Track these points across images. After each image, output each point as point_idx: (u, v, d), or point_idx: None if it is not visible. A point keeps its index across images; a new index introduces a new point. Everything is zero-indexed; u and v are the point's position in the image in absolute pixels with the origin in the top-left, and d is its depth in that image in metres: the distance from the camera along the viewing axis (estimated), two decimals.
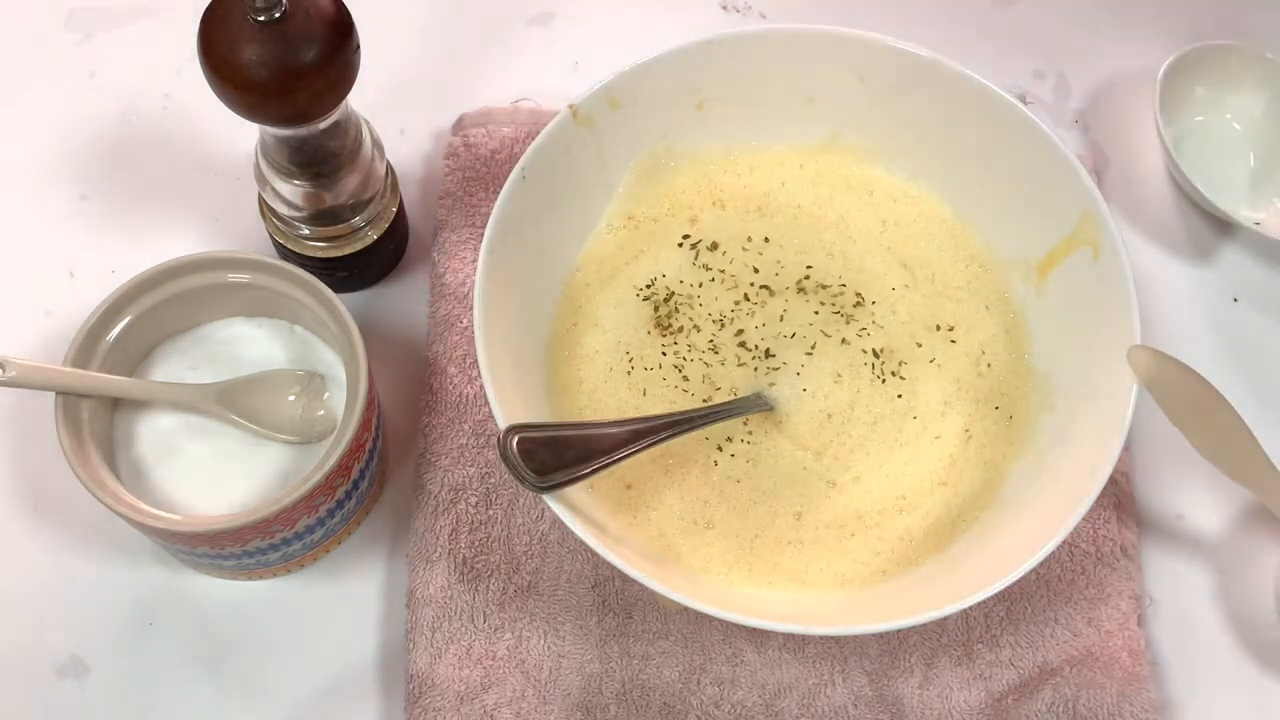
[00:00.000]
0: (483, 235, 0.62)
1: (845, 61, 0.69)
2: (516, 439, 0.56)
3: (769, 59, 0.69)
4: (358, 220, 0.67)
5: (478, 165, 0.74)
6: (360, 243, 0.68)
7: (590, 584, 0.65)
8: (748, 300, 0.68)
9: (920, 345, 0.68)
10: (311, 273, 0.61)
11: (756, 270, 0.69)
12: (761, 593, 0.62)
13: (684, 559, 0.63)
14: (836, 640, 0.64)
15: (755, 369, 0.67)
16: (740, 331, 0.68)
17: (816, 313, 0.68)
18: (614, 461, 0.58)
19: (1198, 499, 0.70)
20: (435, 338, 0.70)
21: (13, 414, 0.68)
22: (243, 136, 0.77)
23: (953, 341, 0.68)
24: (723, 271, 0.69)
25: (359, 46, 0.59)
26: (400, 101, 0.78)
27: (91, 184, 0.75)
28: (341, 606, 0.65)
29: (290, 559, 0.63)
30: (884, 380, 0.67)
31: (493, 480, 0.66)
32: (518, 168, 0.64)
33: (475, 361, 0.65)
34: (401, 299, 0.72)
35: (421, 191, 0.76)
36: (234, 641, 0.64)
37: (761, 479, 0.64)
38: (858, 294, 0.69)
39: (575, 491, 0.58)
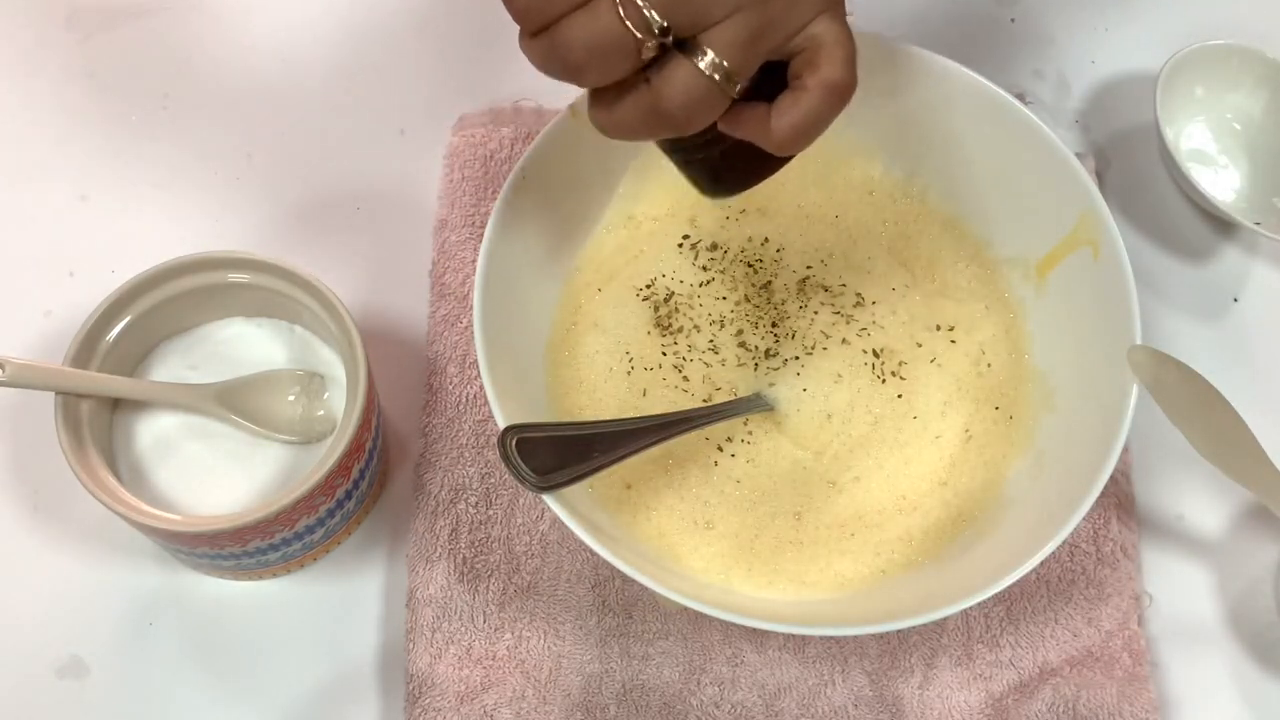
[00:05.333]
0: (483, 235, 0.62)
1: None
2: (516, 439, 0.56)
3: None
4: None
5: (478, 165, 0.74)
6: None
7: (590, 584, 0.65)
8: (748, 300, 0.68)
9: (920, 345, 0.68)
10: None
11: (756, 270, 0.69)
12: (761, 593, 0.62)
13: (684, 559, 0.63)
14: (836, 640, 0.64)
15: (755, 369, 0.67)
16: (740, 331, 0.68)
17: (816, 313, 0.68)
18: (614, 461, 0.58)
19: (1198, 499, 0.70)
20: (435, 338, 0.70)
21: (13, 414, 0.68)
22: (242, 136, 0.77)
23: (953, 341, 0.68)
24: (723, 271, 0.69)
25: None
26: (400, 101, 0.78)
27: (91, 184, 0.75)
28: (341, 606, 0.65)
29: (290, 559, 0.63)
30: (884, 380, 0.67)
31: (493, 480, 0.66)
32: (518, 168, 0.64)
33: (475, 361, 0.65)
34: (401, 299, 0.72)
35: (422, 192, 0.75)
36: (234, 641, 0.64)
37: (761, 479, 0.64)
38: (858, 294, 0.69)
39: (575, 491, 0.58)
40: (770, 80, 0.50)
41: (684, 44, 0.47)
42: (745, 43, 0.47)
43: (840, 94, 0.50)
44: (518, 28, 0.47)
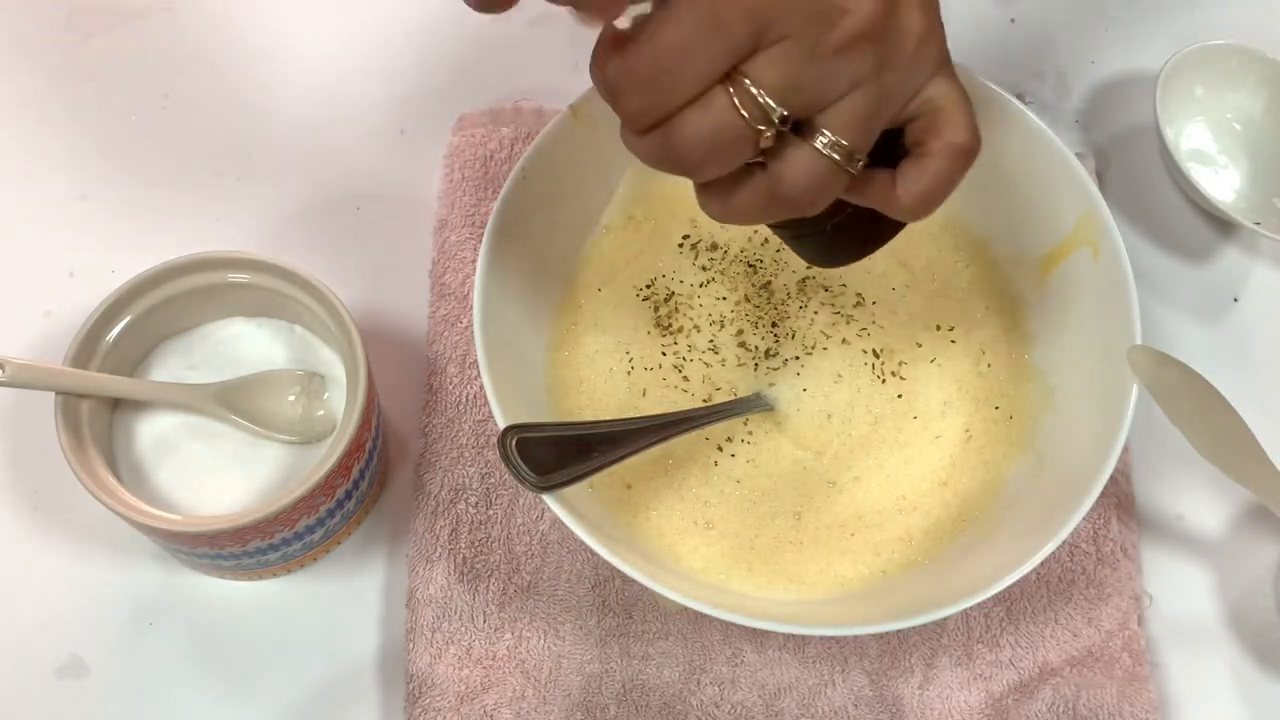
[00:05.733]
0: (483, 235, 0.62)
1: None
2: (516, 439, 0.56)
3: None
4: None
5: (478, 165, 0.74)
6: None
7: (590, 584, 0.65)
8: (748, 300, 0.68)
9: (920, 345, 0.68)
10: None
11: (756, 270, 0.69)
12: (761, 593, 0.62)
13: (684, 559, 0.63)
14: (836, 640, 0.64)
15: (755, 369, 0.67)
16: (740, 331, 0.68)
17: (816, 313, 0.68)
18: (614, 461, 0.58)
19: (1198, 499, 0.70)
20: (435, 338, 0.70)
21: (13, 414, 0.68)
22: (242, 136, 0.77)
23: (953, 341, 0.68)
24: (722, 272, 0.69)
25: None
26: (400, 101, 0.78)
27: (91, 184, 0.75)
28: (341, 606, 0.65)
29: (290, 559, 0.63)
30: (884, 380, 0.67)
31: (493, 480, 0.66)
32: (518, 168, 0.64)
33: (475, 361, 0.65)
34: (401, 299, 0.72)
35: (422, 192, 0.75)
36: (234, 641, 0.64)
37: (761, 479, 0.64)
38: (858, 294, 0.69)
39: (575, 491, 0.58)
40: (881, 140, 0.48)
41: (799, 126, 0.44)
42: (864, 119, 0.45)
43: (967, 156, 0.48)
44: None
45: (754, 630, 0.62)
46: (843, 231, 0.52)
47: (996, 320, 0.69)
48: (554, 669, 0.63)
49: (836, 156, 0.44)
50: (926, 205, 0.49)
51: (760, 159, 0.45)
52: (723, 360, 0.67)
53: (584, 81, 0.66)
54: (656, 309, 0.68)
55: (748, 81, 0.42)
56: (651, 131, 0.43)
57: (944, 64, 0.48)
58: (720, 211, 0.47)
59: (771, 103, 0.42)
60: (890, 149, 0.49)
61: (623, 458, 0.58)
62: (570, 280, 0.68)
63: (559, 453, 0.56)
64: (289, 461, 0.63)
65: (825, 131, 0.44)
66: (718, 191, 0.46)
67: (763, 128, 0.43)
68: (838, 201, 0.48)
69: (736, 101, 0.42)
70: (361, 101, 0.79)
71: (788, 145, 0.44)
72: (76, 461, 0.58)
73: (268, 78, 0.79)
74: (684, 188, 0.72)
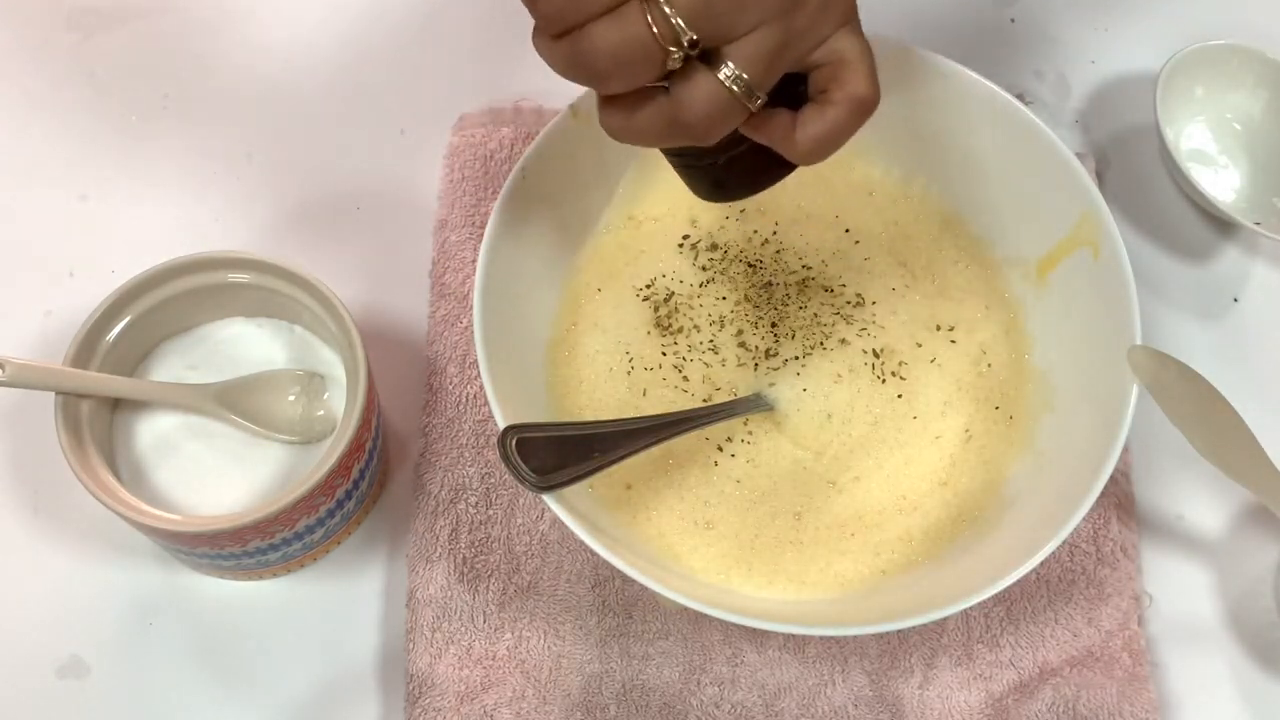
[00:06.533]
0: (483, 235, 0.62)
1: None
2: (516, 439, 0.56)
3: None
4: None
5: (478, 165, 0.74)
6: None
7: (590, 584, 0.65)
8: (748, 300, 0.68)
9: (920, 345, 0.68)
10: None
11: (756, 270, 0.69)
12: (761, 593, 0.62)
13: (684, 559, 0.63)
14: (836, 640, 0.64)
15: (755, 369, 0.67)
16: (740, 331, 0.68)
17: (816, 313, 0.68)
18: (614, 461, 0.58)
19: (1198, 499, 0.70)
20: (435, 338, 0.70)
21: (13, 414, 0.68)
22: (242, 136, 0.77)
23: (953, 341, 0.68)
24: (723, 272, 0.69)
25: None
26: (400, 101, 0.78)
27: (91, 184, 0.75)
28: (341, 606, 0.65)
29: (290, 559, 0.63)
30: (884, 380, 0.67)
31: (493, 480, 0.66)
32: (518, 168, 0.64)
33: (475, 361, 0.65)
34: (401, 299, 0.72)
35: (422, 192, 0.76)
36: (234, 642, 0.64)
37: (761, 479, 0.64)
38: (858, 294, 0.69)
39: (575, 491, 0.58)
40: (785, 84, 0.50)
41: (706, 55, 0.46)
42: (768, 56, 0.47)
43: (866, 108, 0.51)
44: (529, 28, 0.46)
45: (754, 630, 0.62)
46: (734, 166, 0.54)
47: (996, 320, 0.69)
48: (554, 669, 0.63)
49: (737, 89, 0.47)
50: (821, 150, 0.51)
51: (665, 84, 0.47)
52: (723, 360, 0.67)
53: None
54: (656, 309, 0.68)
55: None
56: (564, 38, 0.45)
57: (851, 18, 0.50)
58: (620, 128, 0.49)
59: (682, 23, 0.44)
60: (794, 93, 0.51)
61: (623, 458, 0.58)
62: (570, 280, 0.68)
63: (559, 453, 0.56)
64: (289, 461, 0.63)
65: (729, 63, 0.46)
66: (621, 107, 0.48)
67: (672, 49, 0.45)
68: (735, 136, 0.50)
69: (649, 18, 0.44)
70: (361, 101, 0.79)
71: (692, 72, 0.46)
72: (76, 461, 0.58)
73: (267, 78, 0.79)
74: (685, 188, 0.73)
